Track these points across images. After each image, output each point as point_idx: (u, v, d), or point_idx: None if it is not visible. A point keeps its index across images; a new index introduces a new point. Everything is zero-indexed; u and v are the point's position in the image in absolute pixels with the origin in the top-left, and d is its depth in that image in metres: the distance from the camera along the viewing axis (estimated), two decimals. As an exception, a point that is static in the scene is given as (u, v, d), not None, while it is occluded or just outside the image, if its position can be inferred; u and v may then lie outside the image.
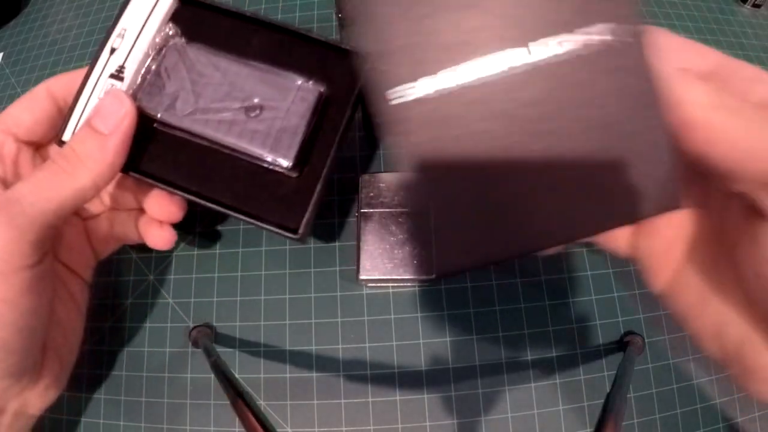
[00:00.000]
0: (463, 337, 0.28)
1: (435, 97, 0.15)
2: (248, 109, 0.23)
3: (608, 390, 0.23)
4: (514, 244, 0.16)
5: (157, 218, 0.25)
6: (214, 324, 0.29)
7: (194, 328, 0.28)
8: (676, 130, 0.15)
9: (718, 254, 0.17)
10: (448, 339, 0.28)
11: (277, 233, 0.22)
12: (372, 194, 0.28)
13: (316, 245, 0.30)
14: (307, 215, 0.22)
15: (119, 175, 0.22)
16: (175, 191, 0.23)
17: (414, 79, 0.15)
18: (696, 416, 0.27)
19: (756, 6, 0.41)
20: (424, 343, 0.28)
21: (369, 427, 0.27)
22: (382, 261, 0.27)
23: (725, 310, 0.17)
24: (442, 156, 0.16)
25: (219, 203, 0.23)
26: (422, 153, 0.16)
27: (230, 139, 0.23)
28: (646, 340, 0.27)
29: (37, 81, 0.38)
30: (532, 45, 0.15)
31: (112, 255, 0.28)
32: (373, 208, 0.28)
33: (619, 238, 0.20)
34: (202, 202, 0.23)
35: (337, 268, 0.29)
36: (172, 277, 0.30)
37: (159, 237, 0.25)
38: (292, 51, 0.24)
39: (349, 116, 0.23)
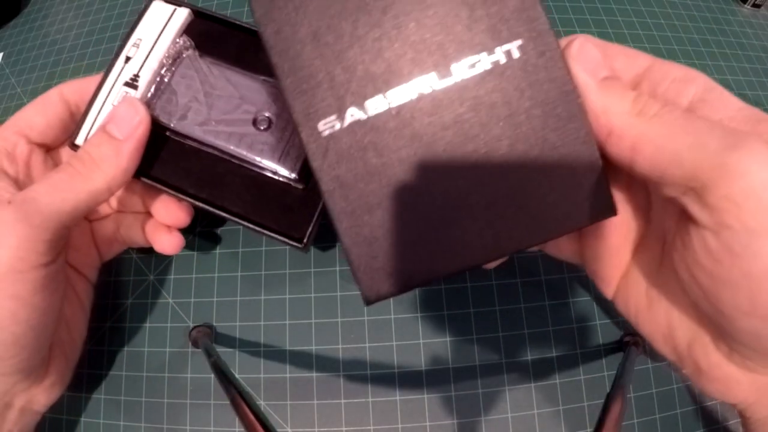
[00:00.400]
0: (463, 337, 0.28)
1: (361, 126, 0.16)
2: (258, 122, 0.23)
3: (608, 390, 0.23)
4: (449, 262, 0.16)
5: (165, 223, 0.26)
6: (214, 324, 0.29)
7: (194, 328, 0.28)
8: (602, 139, 0.15)
9: (662, 258, 0.17)
10: (448, 339, 0.28)
11: (281, 242, 0.23)
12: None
13: (316, 246, 0.30)
14: (311, 226, 0.23)
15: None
16: (185, 198, 0.23)
17: (340, 110, 0.16)
18: (696, 416, 0.27)
19: (756, 6, 0.41)
20: (424, 343, 0.28)
21: (369, 427, 0.27)
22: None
23: (673, 311, 0.17)
24: (370, 183, 0.16)
25: (226, 211, 0.23)
26: (349, 182, 0.16)
27: (240, 151, 0.23)
28: (646, 340, 0.27)
29: (37, 81, 0.39)
30: (453, 67, 0.15)
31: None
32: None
33: (565, 247, 0.20)
34: (210, 209, 0.23)
35: (337, 268, 0.29)
36: (172, 277, 0.30)
37: (168, 242, 0.26)
38: None
39: None
